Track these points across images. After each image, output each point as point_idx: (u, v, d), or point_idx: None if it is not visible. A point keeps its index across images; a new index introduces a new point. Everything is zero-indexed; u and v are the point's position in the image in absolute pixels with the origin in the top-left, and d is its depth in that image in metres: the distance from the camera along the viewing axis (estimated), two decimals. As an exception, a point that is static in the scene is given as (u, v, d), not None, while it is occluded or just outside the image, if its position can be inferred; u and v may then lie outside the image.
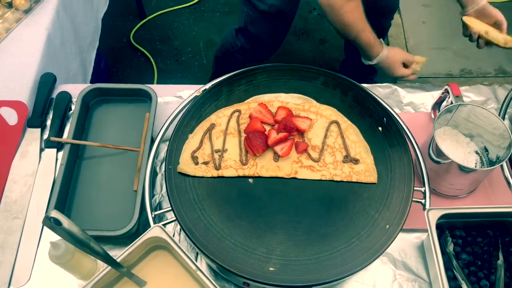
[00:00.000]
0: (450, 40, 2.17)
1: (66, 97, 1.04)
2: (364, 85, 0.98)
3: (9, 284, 0.84)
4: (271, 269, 0.73)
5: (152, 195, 0.91)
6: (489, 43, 1.11)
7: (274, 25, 1.43)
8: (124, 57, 2.12)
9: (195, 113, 0.89)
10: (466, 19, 1.12)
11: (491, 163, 0.90)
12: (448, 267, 0.79)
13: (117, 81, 2.04)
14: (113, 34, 2.16)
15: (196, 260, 0.85)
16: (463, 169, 0.83)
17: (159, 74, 2.07)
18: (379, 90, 1.08)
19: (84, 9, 1.38)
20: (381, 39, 1.11)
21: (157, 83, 2.04)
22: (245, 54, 1.59)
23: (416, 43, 2.18)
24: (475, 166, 0.90)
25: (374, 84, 1.09)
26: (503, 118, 1.00)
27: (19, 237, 0.88)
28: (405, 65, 1.12)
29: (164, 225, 0.80)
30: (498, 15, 1.10)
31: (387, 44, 2.09)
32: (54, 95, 1.06)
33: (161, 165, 0.97)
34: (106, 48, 2.09)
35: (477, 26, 1.11)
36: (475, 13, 1.11)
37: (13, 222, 0.90)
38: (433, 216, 0.79)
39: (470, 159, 0.91)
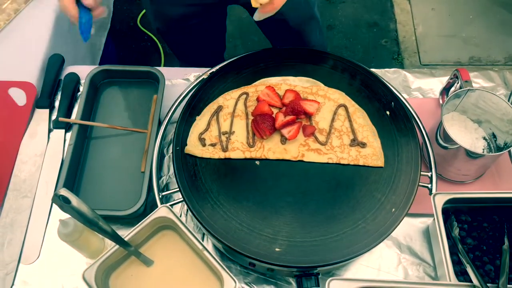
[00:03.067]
0: (459, 28, 2.14)
1: (74, 79, 1.05)
2: (373, 69, 0.97)
3: (19, 262, 0.85)
4: (277, 249, 0.73)
5: (159, 177, 0.92)
6: None
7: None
8: (131, 41, 2.11)
9: (202, 95, 0.89)
10: None
11: (499, 149, 0.90)
12: (453, 252, 0.79)
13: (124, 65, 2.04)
14: (120, 18, 2.15)
15: (203, 240, 0.86)
16: (470, 154, 0.83)
17: (165, 58, 2.06)
18: (387, 75, 1.07)
19: (93, -9, 1.37)
20: None
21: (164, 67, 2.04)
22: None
23: (425, 30, 2.15)
24: (483, 152, 0.90)
25: (382, 69, 1.08)
26: (512, 104, 1.00)
27: (28, 215, 0.90)
28: None
29: (172, 205, 0.81)
30: None
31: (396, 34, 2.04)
32: (62, 77, 1.07)
33: (168, 147, 0.98)
34: (112, 32, 2.08)
35: None
36: None
37: (23, 201, 0.91)
38: (439, 201, 0.79)
39: (477, 145, 0.90)
